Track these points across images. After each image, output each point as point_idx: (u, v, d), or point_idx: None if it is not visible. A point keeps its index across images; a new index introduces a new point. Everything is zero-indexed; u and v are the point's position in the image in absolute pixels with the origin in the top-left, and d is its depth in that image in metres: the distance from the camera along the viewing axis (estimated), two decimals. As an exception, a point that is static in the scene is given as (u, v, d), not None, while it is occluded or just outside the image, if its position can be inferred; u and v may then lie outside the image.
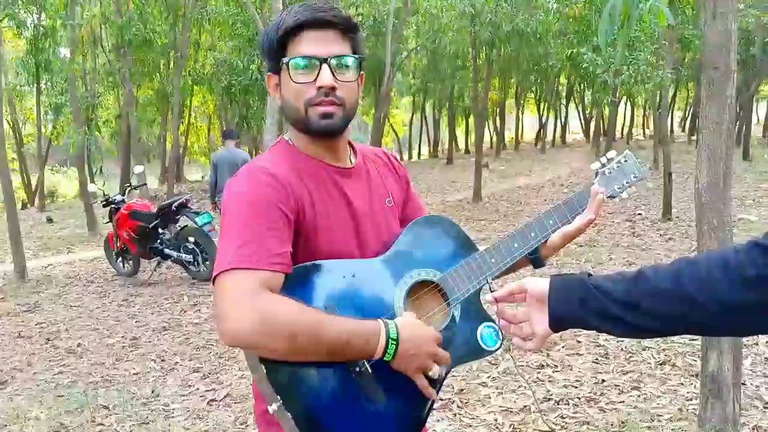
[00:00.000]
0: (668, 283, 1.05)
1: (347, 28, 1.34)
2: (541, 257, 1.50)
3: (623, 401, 3.51)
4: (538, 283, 1.22)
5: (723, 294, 0.99)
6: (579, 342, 4.38)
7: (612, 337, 4.09)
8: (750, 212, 9.08)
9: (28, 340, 5.65)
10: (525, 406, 3.53)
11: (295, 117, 1.34)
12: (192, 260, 7.23)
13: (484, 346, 1.40)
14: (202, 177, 25.25)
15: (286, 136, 1.42)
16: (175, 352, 5.00)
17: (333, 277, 1.30)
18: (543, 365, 4.06)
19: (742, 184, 11.42)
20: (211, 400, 4.03)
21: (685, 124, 32.14)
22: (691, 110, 26.60)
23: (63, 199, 25.60)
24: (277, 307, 1.17)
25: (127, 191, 8.27)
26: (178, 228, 7.45)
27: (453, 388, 3.80)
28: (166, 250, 7.30)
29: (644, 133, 33.81)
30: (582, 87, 27.27)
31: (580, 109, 31.36)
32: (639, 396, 3.56)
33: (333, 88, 1.30)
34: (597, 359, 4.12)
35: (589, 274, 1.17)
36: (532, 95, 30.33)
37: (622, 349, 4.21)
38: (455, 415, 3.49)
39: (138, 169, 9.57)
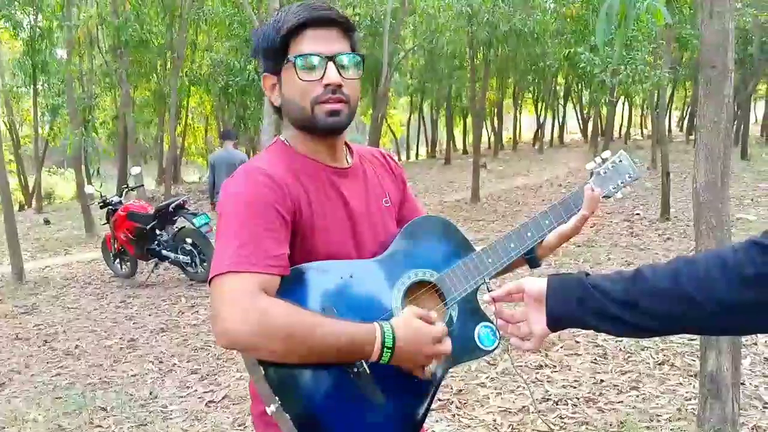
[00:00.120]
0: (667, 283, 1.05)
1: (347, 27, 1.35)
2: (537, 257, 1.51)
3: (622, 401, 3.51)
4: (535, 282, 1.22)
5: (721, 293, 0.98)
6: (577, 342, 4.38)
7: (611, 337, 4.09)
8: (748, 211, 9.09)
9: (25, 342, 5.63)
10: (524, 407, 3.52)
11: (300, 116, 1.33)
12: (189, 261, 7.22)
13: (481, 346, 1.40)
14: (200, 178, 25.23)
15: (282, 136, 1.42)
16: (173, 354, 5.00)
17: (330, 278, 1.30)
18: (542, 365, 4.06)
19: (741, 184, 11.43)
20: (210, 402, 4.02)
21: (683, 123, 32.16)
22: (689, 110, 26.63)
23: (60, 200, 25.60)
24: (273, 310, 1.16)
25: (124, 192, 8.26)
26: (176, 229, 7.44)
27: (452, 388, 3.80)
28: (164, 252, 7.29)
29: (642, 132, 33.86)
30: (579, 87, 27.33)
31: (577, 108, 31.41)
32: (638, 396, 3.56)
33: (340, 86, 1.30)
34: (596, 359, 4.12)
35: (587, 274, 1.17)
36: (530, 95, 30.35)
37: (620, 350, 4.21)
38: (454, 415, 3.49)
39: (135, 170, 9.56)
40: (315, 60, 1.29)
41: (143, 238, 7.30)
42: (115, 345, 5.35)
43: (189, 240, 7.20)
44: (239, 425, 3.65)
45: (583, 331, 4.31)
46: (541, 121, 28.44)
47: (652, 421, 3.26)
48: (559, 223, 1.47)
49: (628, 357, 4.10)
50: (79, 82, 17.85)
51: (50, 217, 15.75)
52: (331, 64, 1.29)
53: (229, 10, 14.70)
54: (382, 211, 1.46)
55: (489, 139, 30.14)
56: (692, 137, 18.26)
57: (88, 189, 10.38)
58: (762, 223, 8.10)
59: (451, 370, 1.42)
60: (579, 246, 7.65)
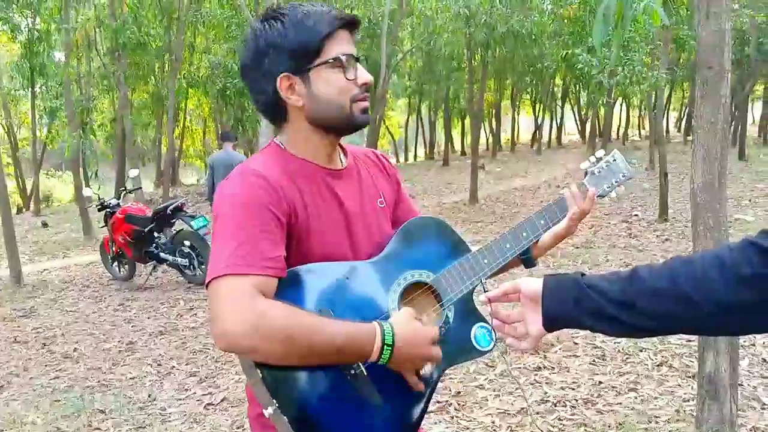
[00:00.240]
0: (664, 283, 1.04)
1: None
2: (532, 257, 1.52)
3: (620, 403, 3.51)
4: (531, 283, 1.22)
5: (719, 293, 0.98)
6: (576, 344, 4.38)
7: (609, 338, 4.10)
8: (746, 212, 9.09)
9: (24, 345, 5.63)
10: (522, 408, 3.52)
11: (337, 114, 1.34)
12: (188, 264, 7.21)
13: (477, 347, 1.41)
14: (198, 180, 25.25)
15: (277, 139, 1.41)
16: (171, 357, 4.99)
17: (327, 279, 1.30)
18: (540, 367, 4.06)
19: (738, 185, 11.44)
20: (208, 404, 4.02)
21: (680, 124, 32.22)
22: (687, 110, 26.68)
23: (58, 203, 25.56)
24: (271, 312, 1.16)
25: (122, 195, 8.26)
26: (174, 232, 7.44)
27: (450, 390, 3.79)
28: (162, 254, 7.28)
29: (640, 133, 33.91)
30: (577, 88, 27.36)
31: (575, 110, 31.44)
32: (636, 397, 3.56)
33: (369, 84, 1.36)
34: (594, 361, 4.11)
35: (583, 274, 1.17)
36: (528, 96, 30.38)
37: (619, 351, 4.21)
38: (452, 417, 3.48)
39: (133, 172, 9.56)
40: (353, 60, 1.33)
41: (141, 241, 7.30)
42: (114, 348, 5.34)
43: (187, 242, 7.19)
44: (237, 428, 3.65)
45: (582, 333, 4.32)
46: (539, 122, 28.48)
47: (650, 422, 3.26)
48: (554, 223, 1.48)
49: (627, 358, 4.10)
50: (77, 85, 17.86)
51: (48, 219, 15.74)
52: (359, 65, 1.34)
53: (227, 13, 14.70)
54: (377, 212, 1.47)
55: (487, 140, 30.16)
56: (690, 138, 18.25)
57: (86, 192, 10.37)
58: (760, 224, 8.10)
59: (448, 371, 1.42)
60: (577, 247, 7.66)
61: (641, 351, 4.17)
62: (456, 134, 32.43)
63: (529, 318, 1.23)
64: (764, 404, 3.37)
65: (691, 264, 1.04)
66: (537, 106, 29.14)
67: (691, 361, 3.90)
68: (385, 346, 1.21)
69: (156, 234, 7.32)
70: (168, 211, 7.31)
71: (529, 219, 1.48)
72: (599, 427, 3.25)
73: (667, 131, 26.97)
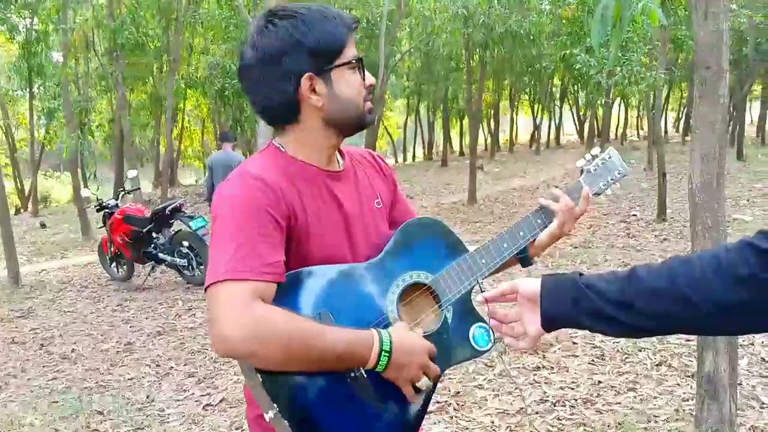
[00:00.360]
0: (662, 282, 1.04)
1: None
2: (529, 256, 1.53)
3: (620, 402, 3.51)
4: (529, 283, 1.22)
5: (716, 293, 0.98)
6: (575, 344, 4.38)
7: (608, 338, 4.10)
8: (744, 212, 9.10)
9: (21, 346, 5.62)
10: (521, 408, 3.52)
11: (355, 114, 1.36)
12: (186, 264, 7.20)
13: (476, 347, 1.41)
14: (196, 181, 25.23)
15: (276, 140, 1.41)
16: (169, 357, 4.99)
17: (326, 282, 1.30)
18: (539, 367, 4.06)
19: (736, 184, 11.45)
20: (207, 405, 4.02)
21: (678, 124, 32.27)
22: (685, 110, 26.71)
23: (56, 204, 25.53)
24: (270, 318, 1.16)
25: (120, 196, 8.25)
26: (172, 232, 7.43)
27: (449, 390, 3.79)
28: (161, 255, 7.28)
29: (638, 133, 33.95)
30: (576, 88, 27.35)
31: (574, 110, 31.46)
32: (635, 397, 3.56)
33: None
34: (593, 360, 4.12)
35: (581, 274, 1.17)
36: (526, 97, 30.42)
37: (618, 351, 4.21)
38: (452, 417, 3.48)
39: (131, 173, 9.55)
40: (361, 63, 1.36)
41: (140, 242, 7.29)
42: (112, 348, 5.33)
43: (186, 243, 7.19)
44: (236, 429, 3.65)
45: (581, 333, 4.32)
46: (538, 122, 28.50)
47: (649, 422, 3.26)
48: (551, 222, 1.49)
49: (626, 358, 4.11)
50: (75, 86, 17.85)
51: (46, 220, 15.73)
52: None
53: (225, 13, 14.68)
54: (374, 213, 1.47)
55: (486, 140, 30.18)
56: (688, 138, 18.29)
57: (85, 192, 10.36)
58: (758, 223, 8.11)
59: (447, 371, 1.42)
60: (576, 247, 7.67)
61: (640, 351, 4.17)
62: (454, 134, 32.44)
63: (527, 318, 1.23)
64: (763, 403, 3.37)
65: (689, 264, 1.04)
66: (535, 106, 29.16)
67: (690, 361, 3.91)
68: (383, 353, 1.22)
69: (154, 234, 7.31)
70: (166, 212, 7.30)
71: (525, 218, 1.49)
72: (598, 426, 3.25)
73: (666, 131, 27.05)
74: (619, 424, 3.25)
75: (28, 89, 17.50)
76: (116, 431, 3.74)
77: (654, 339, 4.18)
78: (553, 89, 28.96)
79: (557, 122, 31.89)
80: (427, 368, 1.29)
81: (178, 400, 4.15)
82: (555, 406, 3.52)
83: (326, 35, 1.30)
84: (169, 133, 16.04)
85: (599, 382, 3.80)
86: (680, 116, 31.63)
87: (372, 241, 1.42)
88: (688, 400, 3.43)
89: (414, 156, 33.06)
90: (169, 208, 7.34)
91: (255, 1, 11.63)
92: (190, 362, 4.83)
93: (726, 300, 0.97)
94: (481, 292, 1.34)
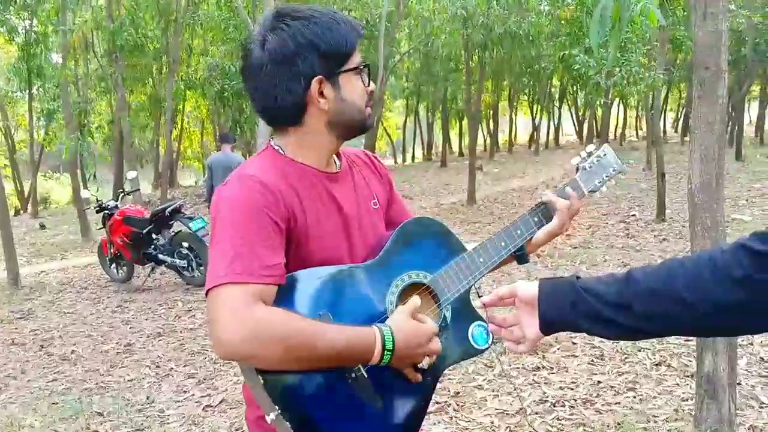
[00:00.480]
0: (659, 284, 1.05)
1: None
2: (526, 254, 1.55)
3: (619, 402, 3.52)
4: (527, 287, 1.22)
5: (713, 294, 0.99)
6: (574, 344, 4.39)
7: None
8: (743, 212, 9.11)
9: (21, 347, 5.62)
10: (521, 409, 3.52)
11: (359, 117, 1.38)
12: (186, 265, 7.20)
13: (475, 345, 1.42)
14: (196, 182, 25.22)
15: (274, 142, 1.40)
16: (169, 358, 4.99)
17: (325, 284, 1.30)
18: (539, 367, 4.06)
19: (735, 185, 11.46)
20: (207, 406, 4.02)
21: (677, 124, 32.27)
22: (684, 111, 26.71)
23: (56, 205, 25.53)
24: (270, 319, 1.17)
25: (120, 197, 8.25)
26: (172, 233, 7.43)
27: (449, 391, 3.80)
28: (160, 256, 7.28)
29: (637, 134, 33.97)
30: (575, 89, 27.35)
31: (573, 110, 31.49)
32: (635, 397, 3.57)
33: None
34: (592, 360, 4.12)
35: (578, 277, 1.17)
36: (525, 97, 30.43)
37: (617, 351, 4.22)
38: (451, 418, 3.49)
39: (131, 174, 9.55)
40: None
41: (139, 243, 7.29)
42: (112, 350, 5.33)
43: (185, 244, 7.19)
44: (236, 430, 3.65)
45: (580, 333, 4.32)
46: (537, 123, 28.51)
47: (649, 422, 3.27)
48: (547, 220, 1.51)
49: (625, 358, 4.11)
50: (75, 87, 17.86)
51: (46, 221, 15.72)
52: None
53: (225, 14, 14.68)
54: (371, 213, 1.47)
55: (485, 141, 30.19)
56: (687, 138, 18.28)
57: (84, 193, 10.35)
58: (757, 224, 8.12)
59: (447, 371, 1.43)
60: (575, 248, 7.67)
61: (640, 351, 4.17)
62: (454, 135, 32.46)
63: (525, 322, 1.23)
64: (762, 403, 3.37)
65: (686, 266, 1.05)
66: (534, 107, 29.17)
67: (689, 361, 3.91)
68: (386, 351, 1.23)
69: (154, 236, 7.31)
70: (166, 213, 7.30)
71: (522, 217, 1.51)
72: (598, 426, 3.25)
73: (665, 132, 27.06)
74: (619, 424, 3.26)
75: (27, 91, 17.49)
76: (116, 432, 3.74)
77: (653, 339, 4.18)
78: (552, 90, 28.98)
79: (556, 123, 31.91)
80: (430, 352, 1.31)
81: (178, 401, 4.15)
82: (554, 406, 3.52)
83: (338, 39, 1.31)
84: (169, 134, 16.05)
85: (599, 382, 3.80)
86: (679, 116, 31.62)
87: (369, 242, 1.43)
88: (687, 400, 3.44)
89: (413, 157, 33.08)
90: (169, 209, 7.34)
91: (254, 2, 11.63)
92: (190, 363, 4.83)
93: (723, 301, 0.98)
94: (479, 297, 1.34)
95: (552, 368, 4.04)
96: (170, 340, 5.44)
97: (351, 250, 1.39)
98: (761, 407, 3.34)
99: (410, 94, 26.16)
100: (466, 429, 3.37)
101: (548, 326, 1.19)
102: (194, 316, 6.15)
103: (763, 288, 0.95)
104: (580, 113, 30.37)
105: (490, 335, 1.41)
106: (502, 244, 1.47)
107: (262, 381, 1.22)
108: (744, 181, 12.17)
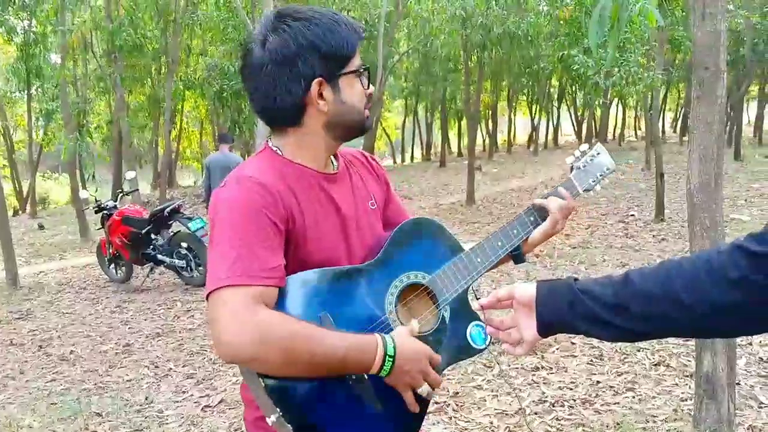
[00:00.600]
0: (657, 285, 1.05)
1: None
2: (522, 254, 1.55)
3: (618, 402, 3.52)
4: (525, 289, 1.22)
5: (710, 295, 0.99)
6: (573, 344, 4.39)
7: (606, 338, 4.09)
8: (742, 212, 9.11)
9: (20, 347, 5.61)
10: (520, 409, 3.52)
11: (358, 119, 1.38)
12: (185, 266, 7.20)
13: (474, 345, 1.42)
14: (195, 182, 25.20)
15: (272, 143, 1.40)
16: (168, 359, 4.98)
17: (325, 285, 1.30)
18: (538, 367, 4.06)
19: (734, 185, 11.46)
20: (206, 407, 4.01)
21: (676, 124, 32.29)
22: (683, 111, 26.71)
23: (55, 205, 25.52)
24: (272, 322, 1.16)
25: (119, 197, 8.24)
26: (171, 233, 7.43)
27: (448, 391, 3.79)
28: (159, 256, 7.27)
29: (636, 134, 33.95)
30: (573, 89, 27.33)
31: (571, 110, 31.46)
32: (634, 397, 3.57)
33: None
34: (592, 361, 4.12)
35: (575, 279, 1.17)
36: (524, 97, 30.41)
37: (616, 351, 4.22)
38: (450, 418, 3.49)
39: (130, 174, 9.54)
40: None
41: (138, 243, 7.28)
42: (111, 350, 5.33)
43: (184, 244, 7.19)
44: (235, 430, 3.65)
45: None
46: (536, 123, 28.49)
47: (648, 422, 3.27)
48: (542, 219, 1.52)
49: (624, 358, 4.11)
50: (74, 87, 17.86)
51: (45, 222, 15.71)
52: None
53: (223, 14, 14.67)
54: (369, 214, 1.47)
55: (484, 141, 30.18)
56: (686, 138, 18.30)
57: (83, 194, 10.35)
58: (755, 224, 8.13)
59: (446, 372, 1.43)
60: (574, 248, 7.67)
61: (639, 351, 4.18)
62: (453, 135, 32.43)
63: (523, 324, 1.23)
64: (762, 403, 3.38)
65: (683, 267, 1.05)
66: (533, 107, 29.14)
67: (688, 361, 3.91)
68: (387, 357, 1.22)
69: (153, 236, 7.31)
70: (165, 213, 7.30)
71: (519, 216, 1.53)
72: (597, 426, 3.26)
73: (663, 132, 27.04)
74: (618, 424, 3.26)
75: (26, 91, 17.50)
76: (115, 433, 3.74)
77: (652, 339, 4.18)
78: (551, 90, 28.97)
79: (555, 123, 31.89)
80: (427, 375, 1.29)
81: (177, 402, 4.15)
82: (554, 406, 3.52)
83: (339, 41, 1.30)
84: (168, 134, 16.04)
85: (598, 382, 3.80)
86: (678, 117, 31.63)
87: (367, 242, 1.43)
88: (686, 400, 3.44)
89: (412, 157, 33.08)
90: (168, 209, 7.33)
91: (253, 2, 11.63)
92: (189, 363, 4.83)
93: (720, 301, 0.98)
94: (476, 299, 1.34)
95: (551, 368, 4.04)
96: (169, 341, 5.44)
97: (349, 251, 1.38)
98: (760, 407, 3.34)
99: (409, 94, 26.16)
100: (465, 429, 3.36)
101: (546, 328, 1.19)
102: (193, 316, 6.15)
103: (759, 289, 0.95)
104: (578, 113, 30.34)
105: (489, 335, 1.41)
106: (499, 243, 1.47)
107: (262, 383, 1.22)
108: (743, 181, 12.17)
